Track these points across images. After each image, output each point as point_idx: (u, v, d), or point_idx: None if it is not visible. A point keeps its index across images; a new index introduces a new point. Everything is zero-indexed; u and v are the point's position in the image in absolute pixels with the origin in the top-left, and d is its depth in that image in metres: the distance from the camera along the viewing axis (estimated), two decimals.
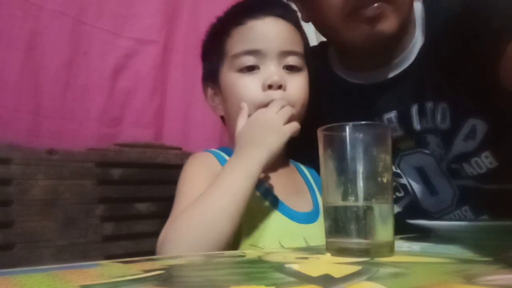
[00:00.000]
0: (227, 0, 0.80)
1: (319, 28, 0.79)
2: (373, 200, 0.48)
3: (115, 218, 0.90)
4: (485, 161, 0.74)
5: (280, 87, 0.70)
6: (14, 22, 0.85)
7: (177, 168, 0.74)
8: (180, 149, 1.05)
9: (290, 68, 0.73)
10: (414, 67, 0.76)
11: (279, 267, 0.42)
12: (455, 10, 0.71)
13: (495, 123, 0.72)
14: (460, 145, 0.75)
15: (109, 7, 0.99)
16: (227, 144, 0.80)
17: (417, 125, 0.76)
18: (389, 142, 0.50)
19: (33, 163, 0.80)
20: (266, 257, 0.49)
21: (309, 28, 0.81)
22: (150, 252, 0.69)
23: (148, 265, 0.43)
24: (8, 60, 0.84)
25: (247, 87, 0.71)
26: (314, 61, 0.79)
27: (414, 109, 0.76)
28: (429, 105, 0.75)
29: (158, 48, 1.07)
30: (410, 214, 0.76)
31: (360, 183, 0.48)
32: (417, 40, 0.76)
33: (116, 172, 0.91)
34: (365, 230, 0.47)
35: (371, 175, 0.48)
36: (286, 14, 0.75)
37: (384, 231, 0.48)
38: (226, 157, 0.73)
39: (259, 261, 0.46)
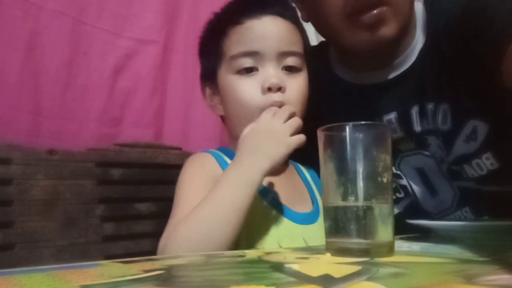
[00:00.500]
0: (227, 0, 0.80)
1: (319, 29, 0.79)
2: (373, 200, 0.48)
3: (115, 218, 0.90)
4: (486, 163, 0.74)
5: (279, 89, 0.69)
6: (14, 22, 0.85)
7: (177, 168, 0.74)
8: (180, 149, 1.05)
9: (290, 69, 0.72)
10: (414, 68, 0.75)
11: (279, 267, 0.42)
12: (456, 11, 0.70)
13: (496, 124, 0.72)
14: (461, 147, 0.74)
15: (109, 7, 0.99)
16: (227, 144, 0.80)
17: (417, 127, 0.76)
18: (389, 142, 0.50)
19: (33, 163, 0.80)
20: (266, 257, 0.49)
21: (309, 28, 0.81)
22: (150, 252, 0.69)
23: (148, 265, 0.43)
24: (8, 60, 0.84)
25: (246, 90, 0.70)
26: (314, 61, 0.79)
27: (415, 110, 0.76)
28: (430, 106, 0.74)
29: (158, 48, 1.07)
30: (411, 214, 0.76)
31: (360, 183, 0.48)
32: (418, 40, 0.76)
33: (116, 172, 0.91)
34: (365, 230, 0.47)
35: (371, 175, 0.48)
36: (285, 12, 0.73)
37: (384, 231, 0.48)
38: (226, 158, 0.73)
39: (259, 261, 0.46)
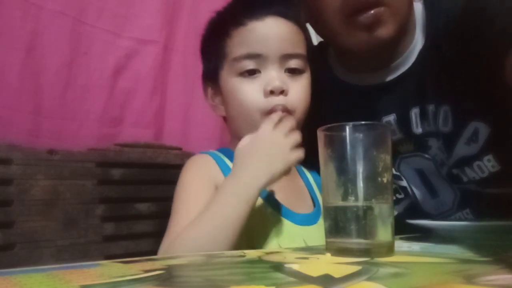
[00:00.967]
0: (227, 0, 0.80)
1: (318, 30, 0.78)
2: (373, 200, 0.48)
3: (115, 218, 0.90)
4: (488, 165, 0.73)
5: (282, 92, 0.69)
6: (14, 22, 0.85)
7: (178, 168, 0.74)
8: (180, 149, 1.05)
9: (292, 71, 0.71)
10: (414, 69, 0.75)
11: (279, 267, 0.42)
12: (456, 11, 0.70)
13: (497, 125, 0.71)
14: (462, 149, 0.74)
15: (109, 7, 0.99)
16: (227, 144, 0.80)
17: (416, 129, 0.76)
18: (389, 142, 0.50)
19: (34, 163, 0.80)
20: (266, 257, 0.49)
21: (311, 28, 0.81)
22: (150, 252, 0.69)
23: (148, 265, 0.43)
24: (8, 60, 0.84)
25: (248, 93, 0.70)
26: (313, 61, 0.78)
27: (414, 112, 0.75)
28: (431, 107, 0.74)
29: (158, 48, 1.07)
30: (411, 215, 0.75)
31: (360, 183, 0.48)
32: (417, 41, 0.75)
33: (116, 172, 0.91)
34: (365, 230, 0.47)
35: (371, 175, 0.48)
36: (288, 12, 0.72)
37: (384, 231, 0.48)
38: (225, 159, 0.73)
39: (259, 261, 0.46)
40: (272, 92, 0.68)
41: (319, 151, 0.51)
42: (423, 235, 0.64)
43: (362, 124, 0.49)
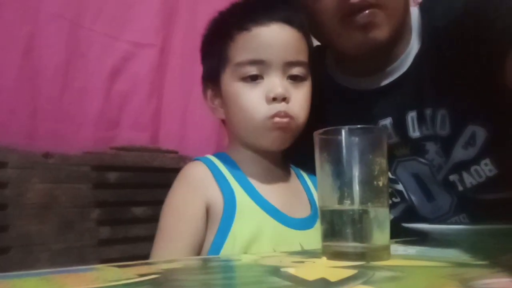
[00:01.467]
0: (226, 3, 0.79)
1: (315, 33, 0.79)
2: (369, 203, 0.48)
3: (111, 222, 0.90)
4: (485, 169, 0.73)
5: (284, 99, 0.69)
6: (11, 24, 0.85)
7: (174, 171, 0.74)
8: (176, 152, 1.05)
9: (294, 78, 0.71)
10: (410, 73, 0.75)
11: (275, 271, 0.42)
12: (455, 12, 0.70)
13: (495, 128, 0.72)
14: (460, 153, 0.74)
15: (106, 10, 0.99)
16: (224, 148, 0.80)
17: (413, 132, 0.76)
18: (385, 146, 0.50)
19: (29, 167, 0.80)
20: (262, 261, 0.49)
21: None
22: (146, 256, 0.69)
23: (144, 269, 0.43)
24: (6, 63, 0.84)
25: (250, 99, 0.69)
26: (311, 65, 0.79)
27: (411, 116, 0.75)
28: (428, 111, 0.74)
29: (156, 51, 1.07)
30: (407, 219, 0.75)
31: (356, 187, 0.48)
32: (413, 46, 0.76)
33: (112, 176, 0.91)
34: (361, 233, 0.47)
35: (367, 179, 0.48)
36: (293, 19, 0.72)
37: (380, 234, 0.48)
38: (221, 166, 0.72)
39: (255, 265, 0.46)
40: (274, 99, 0.68)
41: (315, 154, 0.52)
42: (419, 238, 0.64)
43: (358, 128, 0.49)
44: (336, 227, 0.48)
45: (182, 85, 1.11)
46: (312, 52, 0.79)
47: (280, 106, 0.68)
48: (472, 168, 0.74)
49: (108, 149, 0.94)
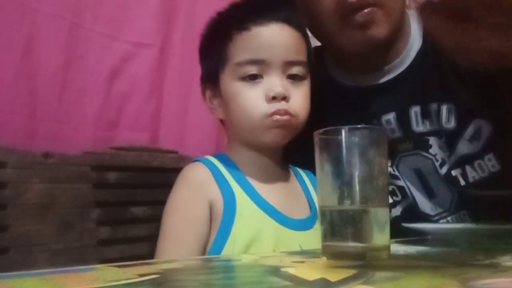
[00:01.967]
0: (225, 3, 0.80)
1: (314, 33, 0.79)
2: (369, 203, 0.48)
3: (111, 222, 0.90)
4: (488, 164, 0.74)
5: (284, 98, 0.69)
6: (10, 25, 0.84)
7: (174, 171, 0.74)
8: (176, 152, 1.05)
9: (293, 77, 0.72)
10: (412, 69, 0.76)
11: (275, 271, 0.42)
12: None
13: (499, 123, 0.73)
14: (464, 147, 0.75)
15: (105, 11, 0.99)
16: (223, 149, 0.80)
17: (417, 127, 0.77)
18: (385, 145, 0.50)
19: (29, 167, 0.80)
20: (261, 261, 0.49)
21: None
22: (146, 256, 0.69)
23: (144, 269, 0.43)
24: (4, 63, 0.84)
25: (250, 98, 0.70)
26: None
27: (414, 111, 0.76)
28: (433, 106, 0.75)
29: (155, 52, 1.06)
30: (409, 218, 0.76)
31: (356, 187, 0.48)
32: (414, 43, 0.77)
33: (112, 176, 0.91)
34: (361, 233, 0.47)
35: (367, 179, 0.48)
36: (292, 19, 0.73)
37: (380, 234, 0.48)
38: (221, 167, 0.72)
39: (255, 265, 0.46)
40: (274, 98, 0.69)
41: (315, 154, 0.52)
42: (419, 239, 0.64)
43: (358, 128, 0.49)
44: (336, 227, 0.48)
45: (181, 85, 1.11)
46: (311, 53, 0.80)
47: (280, 105, 0.69)
48: (476, 163, 0.75)
49: (108, 149, 0.94)
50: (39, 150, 0.83)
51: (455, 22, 0.44)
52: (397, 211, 0.81)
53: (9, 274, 0.40)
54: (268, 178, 0.74)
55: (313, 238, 0.69)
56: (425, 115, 0.76)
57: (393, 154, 0.78)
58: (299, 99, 0.71)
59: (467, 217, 0.78)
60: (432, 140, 0.76)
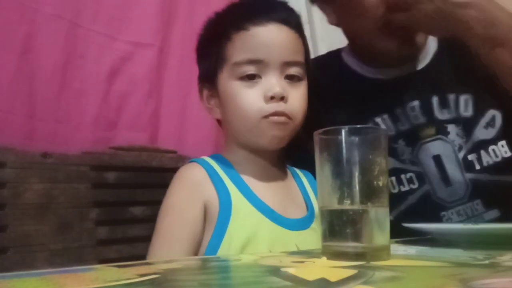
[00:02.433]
0: (224, 3, 0.79)
1: (349, 33, 0.86)
2: (369, 203, 0.48)
3: (109, 222, 0.89)
4: (501, 150, 0.81)
5: (282, 98, 0.69)
6: (9, 24, 0.84)
7: (172, 171, 0.74)
8: (175, 152, 1.05)
9: (291, 78, 0.72)
10: (431, 66, 0.85)
11: (275, 271, 0.42)
12: None
13: (510, 114, 0.80)
14: (480, 132, 0.82)
15: (105, 10, 0.99)
16: (221, 149, 0.80)
17: (438, 114, 0.83)
18: (385, 145, 0.50)
19: (27, 167, 0.80)
20: (261, 261, 0.49)
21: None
22: (145, 256, 0.69)
23: (143, 269, 0.43)
24: (3, 63, 0.84)
25: (248, 98, 0.70)
26: (327, 68, 0.85)
27: (435, 100, 0.83)
28: (452, 96, 0.83)
29: (154, 52, 1.07)
30: (423, 205, 0.82)
31: (356, 187, 0.48)
32: (431, 43, 0.86)
33: (111, 176, 0.91)
34: (361, 233, 0.47)
35: (367, 179, 0.48)
36: (290, 20, 0.73)
37: (380, 234, 0.48)
38: (217, 167, 0.72)
39: (254, 265, 0.46)
40: (272, 98, 0.69)
41: (315, 154, 0.52)
42: (419, 238, 0.64)
43: (357, 128, 0.49)
44: (336, 227, 0.48)
45: (180, 85, 1.11)
46: (325, 58, 0.82)
47: (277, 106, 0.69)
48: (490, 148, 0.82)
49: (107, 149, 0.94)
50: (38, 150, 0.82)
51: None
52: (413, 198, 0.84)
53: (9, 274, 0.40)
54: (264, 178, 0.74)
55: (309, 237, 0.69)
56: (444, 105, 0.83)
57: (414, 141, 0.83)
58: (297, 100, 0.71)
59: (481, 206, 0.82)
60: (451, 127, 0.83)
